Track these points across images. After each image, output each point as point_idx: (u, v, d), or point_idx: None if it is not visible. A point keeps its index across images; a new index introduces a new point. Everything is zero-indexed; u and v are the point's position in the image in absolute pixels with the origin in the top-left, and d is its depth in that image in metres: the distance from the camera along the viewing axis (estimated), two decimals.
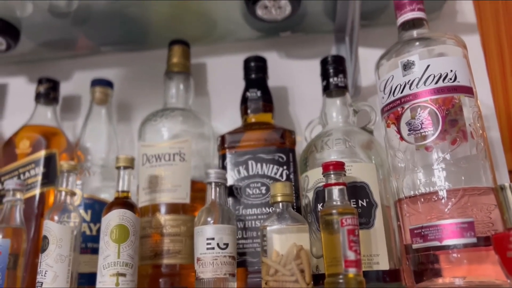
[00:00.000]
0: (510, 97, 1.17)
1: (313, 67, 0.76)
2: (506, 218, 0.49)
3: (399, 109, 0.58)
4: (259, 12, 0.73)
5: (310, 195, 0.61)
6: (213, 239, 0.54)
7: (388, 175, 0.61)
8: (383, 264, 0.55)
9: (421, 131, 0.55)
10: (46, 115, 0.82)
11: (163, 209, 0.66)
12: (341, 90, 0.67)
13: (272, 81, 0.82)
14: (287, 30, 0.84)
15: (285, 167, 0.63)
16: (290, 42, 0.85)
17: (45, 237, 0.58)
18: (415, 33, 0.62)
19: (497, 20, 1.21)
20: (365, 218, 0.57)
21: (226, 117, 0.82)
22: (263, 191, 0.62)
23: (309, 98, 0.80)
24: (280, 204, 0.55)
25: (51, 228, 0.59)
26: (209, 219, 0.55)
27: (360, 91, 0.79)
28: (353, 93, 0.78)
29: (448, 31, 0.80)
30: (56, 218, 0.60)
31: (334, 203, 0.53)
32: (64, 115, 0.89)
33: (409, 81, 0.57)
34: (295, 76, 0.83)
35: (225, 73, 0.85)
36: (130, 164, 0.61)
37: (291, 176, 0.63)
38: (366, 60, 0.79)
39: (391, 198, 0.60)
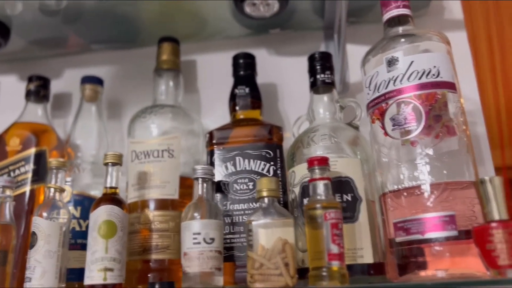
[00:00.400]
0: (500, 94, 1.18)
1: (302, 64, 0.76)
2: (487, 211, 0.50)
3: (383, 104, 0.59)
4: (247, 9, 0.74)
5: (297, 190, 0.61)
6: (199, 234, 0.54)
7: (373, 170, 0.61)
8: (367, 257, 0.56)
9: (404, 126, 0.56)
10: (37, 113, 0.82)
11: (152, 205, 0.67)
12: (328, 86, 0.68)
13: (262, 78, 0.83)
14: (276, 27, 0.85)
15: (272, 163, 0.64)
16: (279, 39, 0.86)
17: (34, 233, 0.59)
18: (400, 29, 0.63)
19: (487, 17, 1.22)
20: (349, 213, 0.57)
21: (216, 113, 0.82)
22: (250, 187, 0.63)
23: (298, 94, 0.81)
24: (266, 199, 0.56)
25: (40, 224, 0.59)
26: (195, 214, 0.56)
27: (349, 87, 0.80)
28: (341, 89, 0.79)
29: (435, 28, 0.81)
30: (45, 214, 0.60)
31: (318, 197, 0.53)
32: (55, 112, 0.89)
33: (393, 77, 0.58)
34: (284, 73, 0.84)
35: (215, 70, 0.86)
36: (118, 161, 0.62)
37: (278, 172, 0.64)
38: (355, 56, 0.79)
39: (376, 193, 0.60)
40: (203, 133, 0.76)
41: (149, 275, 0.64)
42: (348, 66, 0.81)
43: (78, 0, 0.77)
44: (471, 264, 0.51)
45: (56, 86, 0.89)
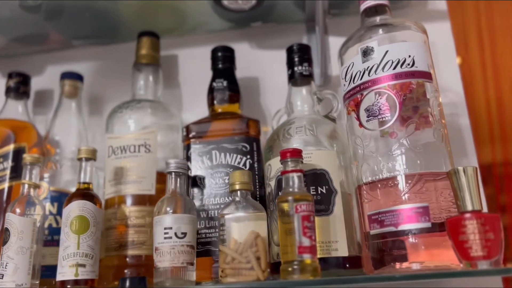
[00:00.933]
0: (490, 88, 1.16)
1: (284, 57, 0.75)
2: (460, 202, 0.49)
3: (358, 96, 0.58)
4: (225, 1, 0.73)
5: (273, 183, 0.61)
6: (170, 228, 0.54)
7: (350, 163, 0.60)
8: (342, 250, 0.55)
9: (378, 117, 0.55)
10: (17, 110, 0.81)
11: (128, 200, 0.66)
12: (306, 78, 0.67)
13: (244, 72, 0.82)
14: (258, 21, 0.84)
15: (248, 156, 0.63)
16: (261, 32, 0.85)
17: (7, 230, 0.58)
18: (377, 19, 0.62)
19: (476, 9, 1.21)
20: (324, 205, 0.57)
21: (198, 108, 0.81)
22: (226, 181, 0.62)
23: (281, 88, 0.79)
24: (238, 192, 0.55)
25: (12, 220, 0.58)
26: (168, 208, 0.55)
27: (330, 80, 0.79)
28: (323, 82, 0.78)
29: (418, 19, 0.80)
30: (18, 210, 0.59)
31: (290, 189, 0.53)
32: (37, 109, 0.88)
33: (368, 67, 0.57)
34: (267, 66, 0.83)
35: (196, 65, 0.85)
36: (92, 156, 0.61)
37: (255, 165, 0.63)
38: (337, 49, 0.78)
39: (352, 185, 0.59)
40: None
41: (125, 270, 0.63)
42: (330, 58, 0.80)
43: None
44: (447, 257, 0.50)
45: (38, 83, 0.88)
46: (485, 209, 0.69)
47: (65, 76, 0.79)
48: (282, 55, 0.80)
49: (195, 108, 0.82)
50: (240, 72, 0.80)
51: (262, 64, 0.83)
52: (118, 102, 0.78)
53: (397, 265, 0.52)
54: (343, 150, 0.61)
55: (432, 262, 0.50)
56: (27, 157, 0.63)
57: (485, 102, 1.14)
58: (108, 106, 0.85)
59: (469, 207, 0.48)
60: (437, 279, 0.49)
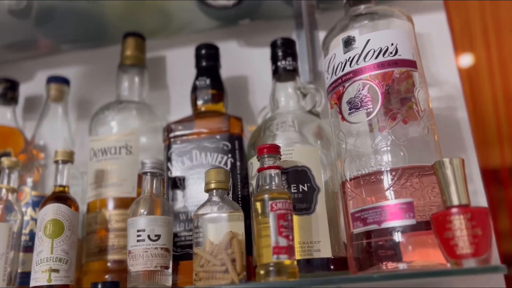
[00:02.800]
0: (497, 84, 1.12)
1: None
2: (445, 196, 0.45)
3: (340, 88, 0.55)
4: None
5: (254, 182, 0.58)
6: (143, 230, 0.51)
7: (336, 159, 0.57)
8: (324, 251, 0.52)
9: (360, 109, 0.52)
10: (5, 115, 0.81)
11: (110, 204, 0.64)
12: (290, 73, 0.65)
13: (232, 70, 0.80)
14: (246, 18, 0.82)
15: (230, 155, 0.61)
16: (249, 30, 0.83)
17: None
18: (360, 7, 0.59)
19: (482, 1, 1.17)
20: (306, 204, 0.54)
21: (186, 109, 0.79)
22: None
23: (269, 85, 0.76)
24: (214, 191, 0.52)
25: None
26: (142, 210, 0.53)
27: (320, 76, 0.76)
28: (312, 78, 0.75)
29: (413, 11, 0.77)
30: None
31: (267, 187, 0.50)
32: (26, 115, 0.88)
33: (349, 58, 0.54)
34: (256, 64, 0.81)
35: (184, 65, 0.82)
36: (68, 158, 0.60)
37: (237, 164, 0.61)
38: None
39: (337, 183, 0.56)
40: None
41: (106, 276, 0.61)
42: (321, 54, 0.78)
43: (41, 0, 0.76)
44: (432, 256, 0.46)
45: (27, 89, 0.88)
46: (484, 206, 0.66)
47: (51, 80, 0.79)
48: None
49: (183, 109, 0.80)
50: (229, 70, 0.78)
51: (250, 62, 0.81)
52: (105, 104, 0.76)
53: (383, 265, 0.48)
54: (328, 146, 0.58)
55: (420, 262, 0.47)
56: (5, 161, 0.62)
57: (492, 100, 1.10)
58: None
59: (455, 201, 0.44)
60: (427, 279, 0.45)
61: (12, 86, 0.82)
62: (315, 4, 0.78)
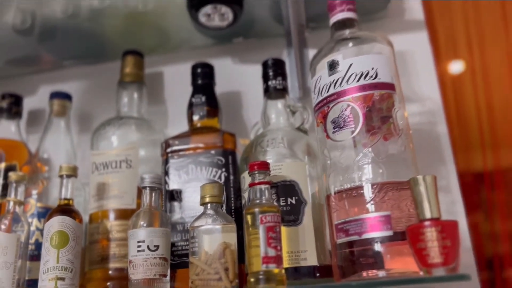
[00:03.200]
0: (480, 94, 1.17)
1: None
2: (419, 210, 0.49)
3: (325, 108, 0.59)
4: (202, 19, 0.75)
5: (246, 195, 0.62)
6: (143, 241, 0.56)
7: (322, 173, 0.62)
8: (311, 260, 0.56)
9: (344, 128, 0.57)
10: (10, 129, 0.85)
11: (111, 215, 0.68)
12: (280, 92, 0.69)
13: (227, 86, 0.84)
14: (239, 36, 0.86)
15: (223, 169, 0.65)
16: (243, 48, 0.87)
17: None
18: (345, 32, 0.64)
19: (465, 16, 1.22)
20: (293, 216, 0.58)
21: (183, 123, 0.83)
22: None
23: (262, 101, 0.81)
24: (209, 205, 0.57)
25: None
26: (141, 222, 0.57)
27: (309, 92, 0.79)
28: (302, 94, 0.80)
29: (396, 29, 0.82)
30: (3, 227, 0.62)
31: (257, 201, 0.54)
32: (30, 128, 0.92)
33: (334, 80, 0.59)
34: (249, 80, 0.85)
35: (181, 81, 0.87)
36: (72, 173, 0.64)
37: (231, 178, 0.65)
38: None
39: (323, 196, 0.61)
40: None
41: (108, 283, 0.65)
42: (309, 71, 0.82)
43: (45, 19, 0.80)
44: (409, 264, 0.51)
45: (31, 103, 0.92)
46: (462, 214, 0.70)
47: (54, 96, 0.83)
48: None
49: (180, 122, 0.84)
50: (223, 86, 0.82)
51: (244, 79, 0.86)
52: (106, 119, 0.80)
53: (364, 273, 0.53)
54: (315, 161, 0.63)
55: (398, 270, 0.51)
56: (12, 175, 0.66)
57: (475, 108, 1.15)
58: (97, 124, 0.88)
59: (428, 215, 0.48)
60: (399, 286, 0.49)
61: (16, 101, 0.86)
62: (305, 24, 0.82)
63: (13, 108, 0.85)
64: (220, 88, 0.78)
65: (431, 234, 0.47)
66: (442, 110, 0.77)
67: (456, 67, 1.27)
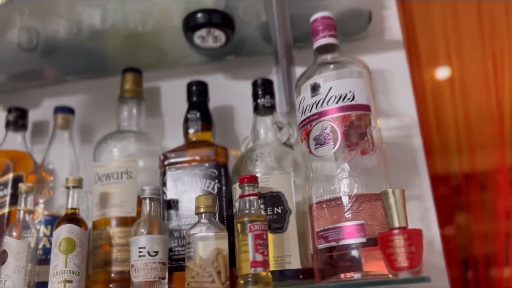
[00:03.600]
0: (458, 104, 1.24)
1: None
2: (389, 220, 0.56)
3: (308, 126, 0.66)
4: (197, 41, 0.82)
5: (237, 204, 0.68)
6: (144, 247, 0.62)
7: (305, 185, 0.68)
8: (294, 263, 0.63)
9: (324, 145, 0.63)
10: (16, 141, 0.90)
11: (113, 222, 0.74)
12: (268, 109, 0.75)
13: (219, 101, 0.90)
14: (231, 54, 0.93)
15: (216, 181, 0.71)
16: (234, 65, 0.94)
17: (4, 251, 0.67)
18: (328, 57, 0.70)
19: (445, 32, 1.29)
20: (279, 224, 0.64)
21: (178, 134, 0.89)
22: None
23: (252, 115, 0.88)
24: (203, 214, 0.63)
25: (10, 243, 0.67)
26: (142, 230, 0.63)
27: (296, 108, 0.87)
28: (289, 109, 0.86)
29: (376, 49, 0.88)
30: (14, 234, 0.68)
31: (246, 211, 0.61)
32: (34, 139, 0.97)
33: (315, 101, 0.65)
34: (240, 95, 0.91)
35: (177, 95, 0.92)
36: (78, 184, 0.70)
37: (223, 189, 0.71)
38: None
39: (306, 205, 0.67)
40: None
41: (111, 285, 0.71)
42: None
43: (49, 38, 0.86)
44: (381, 267, 0.57)
45: (35, 115, 0.97)
46: (434, 221, 0.77)
47: (58, 110, 0.88)
48: None
49: (177, 135, 0.90)
50: (216, 101, 0.88)
51: (235, 94, 0.92)
52: (107, 131, 0.86)
53: (342, 275, 0.59)
54: (300, 173, 0.69)
55: (372, 273, 0.58)
56: (22, 186, 0.71)
57: (453, 115, 1.23)
58: (98, 135, 0.94)
59: (396, 224, 0.55)
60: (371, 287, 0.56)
61: (22, 115, 0.92)
62: (292, 43, 0.88)
63: (19, 121, 0.91)
64: (213, 102, 0.84)
65: (398, 241, 0.54)
66: (417, 124, 0.84)
67: (437, 76, 1.35)
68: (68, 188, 0.70)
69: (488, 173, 1.18)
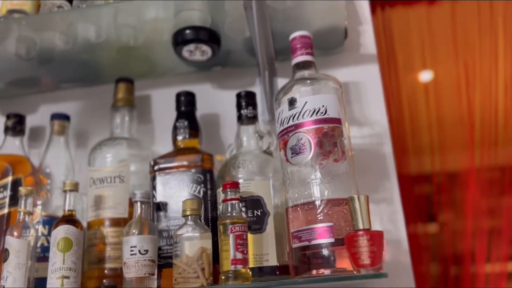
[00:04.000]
0: (432, 109, 1.32)
1: None
2: (354, 222, 0.63)
3: (286, 137, 0.72)
4: (186, 54, 0.88)
5: (221, 207, 0.75)
6: (135, 246, 0.68)
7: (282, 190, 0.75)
8: (272, 261, 0.70)
9: (299, 154, 0.70)
10: (14, 145, 0.96)
11: (106, 223, 0.80)
12: (251, 119, 0.82)
13: (206, 109, 0.97)
14: (218, 65, 0.99)
15: (202, 185, 0.77)
16: (221, 75, 1.00)
17: (6, 250, 0.73)
18: (304, 73, 0.77)
19: (422, 44, 1.37)
20: (259, 225, 0.71)
21: (167, 140, 0.95)
22: None
23: (236, 124, 0.94)
24: (189, 217, 0.69)
25: (11, 242, 0.73)
26: (134, 231, 0.70)
27: None
28: (271, 118, 0.93)
29: (351, 62, 0.95)
30: (15, 233, 0.74)
31: (228, 214, 0.67)
32: (32, 143, 1.03)
33: (292, 114, 0.72)
34: (225, 104, 0.97)
35: (167, 103, 0.98)
36: (74, 188, 0.76)
37: (208, 192, 0.77)
38: None
39: (283, 208, 0.74)
40: None
41: (104, 280, 0.78)
42: None
43: (45, 49, 0.92)
44: (349, 265, 0.64)
45: (32, 121, 1.03)
46: (402, 222, 0.84)
47: (54, 117, 0.94)
48: None
49: (166, 141, 0.96)
50: (203, 109, 0.94)
51: (221, 102, 0.98)
52: (100, 136, 0.92)
53: (313, 271, 0.66)
54: (278, 179, 0.76)
55: (340, 269, 0.65)
56: (22, 190, 0.77)
57: (427, 120, 1.31)
58: (93, 140, 1.00)
59: (360, 226, 0.62)
60: (353, 281, 0.63)
61: (20, 120, 0.97)
62: (274, 56, 0.95)
63: (17, 127, 0.96)
64: (200, 110, 0.91)
65: (362, 242, 0.61)
66: (388, 133, 0.91)
67: (412, 83, 1.44)
68: (65, 191, 0.76)
69: (458, 173, 1.26)
